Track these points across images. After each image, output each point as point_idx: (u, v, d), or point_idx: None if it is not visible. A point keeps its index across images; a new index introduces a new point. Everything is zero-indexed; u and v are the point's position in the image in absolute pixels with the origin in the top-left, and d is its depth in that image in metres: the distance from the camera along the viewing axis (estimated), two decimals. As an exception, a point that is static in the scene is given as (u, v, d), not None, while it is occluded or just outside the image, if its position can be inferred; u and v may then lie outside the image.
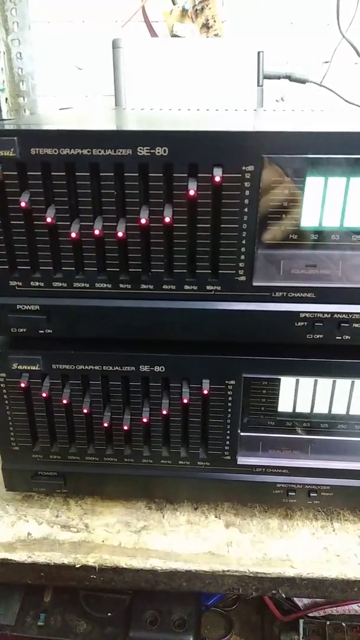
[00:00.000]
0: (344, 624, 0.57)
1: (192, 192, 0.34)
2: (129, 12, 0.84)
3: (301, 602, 0.60)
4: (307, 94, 0.93)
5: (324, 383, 0.42)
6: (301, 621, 0.58)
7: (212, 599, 0.63)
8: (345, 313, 0.37)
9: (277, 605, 0.60)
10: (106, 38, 0.78)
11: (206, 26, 0.89)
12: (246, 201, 0.35)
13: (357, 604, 0.58)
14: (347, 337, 0.38)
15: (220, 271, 0.37)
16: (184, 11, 0.86)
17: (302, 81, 0.89)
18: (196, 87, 0.81)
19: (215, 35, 0.89)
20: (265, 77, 0.85)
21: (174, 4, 0.85)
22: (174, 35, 0.87)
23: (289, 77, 0.89)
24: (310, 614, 0.58)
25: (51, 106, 0.91)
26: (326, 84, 0.91)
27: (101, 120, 0.47)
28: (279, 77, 0.89)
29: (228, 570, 0.42)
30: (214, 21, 0.88)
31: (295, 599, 0.60)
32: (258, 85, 0.85)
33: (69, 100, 0.93)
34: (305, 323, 0.38)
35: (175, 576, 0.44)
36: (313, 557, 0.43)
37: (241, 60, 0.83)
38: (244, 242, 0.36)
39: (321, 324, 0.38)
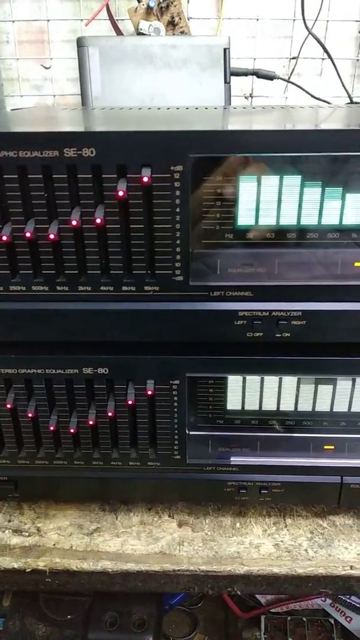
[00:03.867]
0: (304, 619, 0.57)
1: (121, 193, 0.34)
2: (92, 10, 0.84)
3: (264, 598, 0.60)
4: (275, 90, 0.93)
5: (271, 380, 0.42)
6: (263, 617, 0.58)
7: (176, 598, 0.63)
8: (283, 311, 0.38)
9: (241, 602, 0.61)
10: (72, 37, 0.77)
11: (172, 23, 0.88)
12: (177, 201, 0.35)
13: (319, 599, 0.58)
14: (286, 334, 0.38)
15: (157, 272, 0.37)
16: (149, 9, 0.86)
17: (270, 77, 0.88)
18: (164, 84, 0.81)
19: (182, 32, 0.89)
20: (233, 74, 0.84)
21: (139, 1, 0.85)
22: (139, 33, 0.86)
23: (256, 74, 0.89)
24: (272, 610, 0.59)
25: (19, 106, 0.90)
26: (294, 79, 0.91)
27: (45, 121, 0.47)
28: (246, 74, 0.89)
29: (179, 570, 0.42)
30: (180, 18, 0.88)
31: (257, 595, 0.60)
32: (225, 82, 0.84)
33: (37, 100, 0.92)
34: (244, 321, 0.38)
35: (130, 577, 0.44)
36: (264, 554, 0.43)
37: (209, 57, 0.82)
38: (178, 242, 0.36)
39: (260, 322, 0.38)
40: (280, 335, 0.38)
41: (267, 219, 0.36)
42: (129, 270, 0.37)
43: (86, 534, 0.45)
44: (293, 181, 0.35)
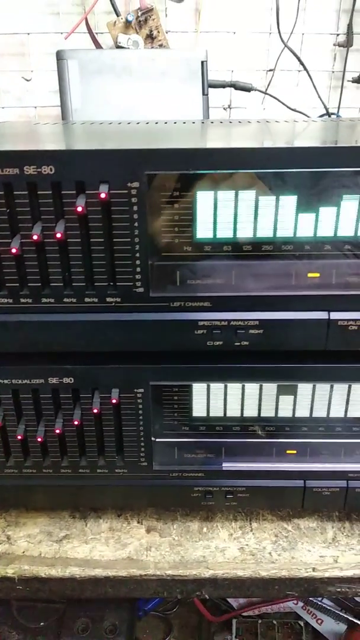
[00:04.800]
0: (275, 622, 0.58)
1: (80, 209, 0.35)
2: (71, 23, 0.85)
3: (236, 602, 0.61)
4: (253, 101, 0.95)
5: (234, 387, 0.43)
6: (234, 621, 0.59)
7: (150, 603, 0.64)
8: (240, 320, 0.39)
9: (215, 606, 0.61)
10: (53, 49, 0.79)
11: (150, 37, 0.90)
12: (135, 216, 0.36)
13: (291, 602, 0.59)
14: (245, 342, 0.40)
15: (118, 283, 0.38)
16: (127, 22, 0.88)
17: (247, 89, 0.91)
18: (143, 96, 0.82)
19: (160, 45, 0.90)
20: (211, 86, 0.86)
21: (118, 15, 0.87)
22: (118, 46, 0.88)
23: (233, 86, 0.91)
24: (244, 614, 0.60)
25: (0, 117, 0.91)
26: (271, 91, 0.93)
27: (13, 137, 0.48)
28: (224, 86, 0.91)
29: (146, 575, 0.43)
30: (158, 32, 0.89)
31: (230, 599, 0.61)
32: (203, 94, 0.86)
33: (18, 111, 0.94)
34: (204, 331, 0.39)
35: (100, 583, 0.45)
36: (229, 558, 0.44)
37: (187, 70, 0.84)
38: (138, 255, 0.37)
39: (219, 331, 0.39)
40: (239, 343, 0.40)
41: (224, 232, 0.37)
42: (91, 282, 0.38)
43: (55, 541, 0.45)
44: (248, 196, 0.36)
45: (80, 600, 0.54)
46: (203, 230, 0.37)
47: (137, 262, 0.37)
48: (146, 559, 0.44)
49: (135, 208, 0.36)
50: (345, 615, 0.60)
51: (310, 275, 0.38)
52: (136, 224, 0.36)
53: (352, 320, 0.38)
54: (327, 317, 0.39)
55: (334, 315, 0.39)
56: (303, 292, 0.38)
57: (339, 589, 0.45)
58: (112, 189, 0.35)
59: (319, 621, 0.61)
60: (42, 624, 0.54)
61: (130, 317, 0.39)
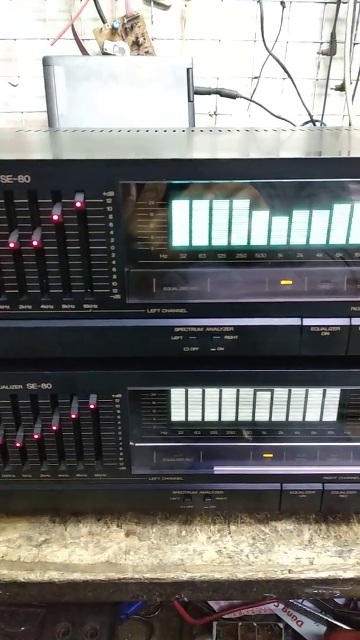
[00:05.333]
0: (255, 624, 0.58)
1: (56, 217, 0.35)
2: (58, 30, 0.86)
3: (217, 605, 0.62)
4: (238, 108, 0.96)
5: (212, 392, 0.44)
6: (215, 623, 0.59)
7: (132, 607, 0.64)
8: (216, 326, 0.40)
9: (197, 609, 0.62)
10: (39, 56, 0.79)
11: (137, 44, 0.91)
12: (111, 224, 0.36)
13: (271, 604, 0.60)
14: (220, 348, 0.40)
15: (95, 290, 0.38)
16: (113, 29, 0.88)
17: (232, 96, 0.92)
18: (129, 103, 0.83)
19: (146, 52, 0.91)
20: (196, 93, 0.87)
21: (104, 22, 0.87)
22: (105, 53, 0.88)
23: (219, 93, 0.92)
24: (225, 616, 0.60)
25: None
26: (257, 98, 0.94)
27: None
28: (209, 93, 0.92)
29: (124, 578, 0.44)
30: (144, 39, 0.90)
31: (211, 602, 0.62)
32: (189, 101, 0.87)
33: (5, 117, 0.94)
34: (180, 337, 0.40)
35: (80, 587, 0.45)
36: (206, 561, 0.44)
37: (173, 77, 0.85)
38: (114, 262, 0.38)
39: (195, 337, 0.40)
40: (215, 349, 0.40)
41: (199, 240, 0.38)
42: (68, 289, 0.39)
43: (35, 545, 0.46)
44: (222, 205, 0.37)
45: (61, 604, 0.54)
46: (178, 238, 0.38)
47: (114, 269, 0.38)
48: (125, 562, 0.44)
49: (110, 217, 0.36)
50: (325, 617, 0.61)
51: (283, 282, 0.39)
52: (112, 232, 0.37)
53: (324, 326, 0.39)
54: (299, 324, 0.39)
55: (307, 322, 0.39)
56: (276, 299, 0.39)
57: (316, 591, 0.46)
58: (87, 198, 0.35)
59: (299, 623, 0.61)
60: (22, 628, 0.54)
61: (107, 323, 0.39)
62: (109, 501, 0.47)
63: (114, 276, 0.38)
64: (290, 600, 0.60)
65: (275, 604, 0.61)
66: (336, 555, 0.45)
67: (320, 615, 0.61)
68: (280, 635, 0.59)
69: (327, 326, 0.39)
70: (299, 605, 0.62)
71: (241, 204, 0.37)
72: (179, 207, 0.37)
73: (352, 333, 0.39)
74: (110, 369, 0.42)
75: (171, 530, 0.47)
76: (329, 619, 0.60)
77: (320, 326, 0.39)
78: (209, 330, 0.40)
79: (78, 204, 0.35)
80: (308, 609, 0.61)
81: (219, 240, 0.38)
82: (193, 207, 0.37)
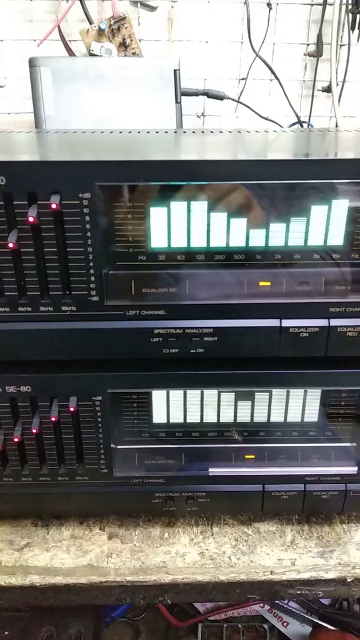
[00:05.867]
0: (240, 625, 0.58)
1: (31, 219, 0.35)
2: (44, 31, 0.86)
3: (203, 607, 0.61)
4: (226, 109, 0.96)
5: (193, 394, 0.44)
6: (200, 625, 0.59)
7: (118, 610, 0.64)
8: (195, 328, 0.39)
9: (183, 611, 0.62)
10: (25, 56, 0.79)
11: (124, 45, 0.91)
12: (87, 226, 0.36)
13: (257, 605, 0.60)
14: (200, 350, 0.40)
15: (73, 292, 0.38)
16: (100, 30, 0.88)
17: (220, 98, 0.92)
18: (117, 104, 0.83)
19: (134, 53, 0.91)
20: (184, 94, 0.87)
21: (91, 23, 0.87)
22: (91, 54, 0.88)
23: (206, 94, 0.92)
24: (211, 618, 0.60)
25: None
26: (245, 99, 0.94)
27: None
28: (196, 94, 0.92)
29: (106, 581, 0.43)
30: (131, 40, 0.90)
31: (196, 604, 0.62)
32: (176, 102, 0.87)
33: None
34: (160, 339, 0.40)
35: (62, 591, 0.45)
36: (188, 563, 0.44)
37: (160, 78, 0.85)
38: (92, 264, 0.37)
39: (174, 339, 0.40)
40: (194, 351, 0.40)
41: (178, 242, 0.38)
42: (46, 291, 0.38)
43: (16, 549, 0.45)
44: (200, 206, 0.37)
45: (45, 608, 0.54)
46: (157, 240, 0.38)
47: (92, 271, 0.38)
48: (107, 565, 0.44)
49: (87, 218, 0.36)
50: (311, 618, 0.61)
51: (262, 284, 0.39)
52: (89, 234, 0.36)
53: (303, 327, 0.39)
54: (279, 325, 0.40)
55: (286, 323, 0.39)
56: (255, 300, 0.39)
57: (299, 592, 0.46)
58: (63, 200, 0.35)
59: (285, 624, 0.61)
60: (6, 633, 0.54)
61: (85, 325, 0.39)
62: (91, 504, 0.46)
63: (92, 278, 0.38)
64: (276, 602, 0.60)
65: (261, 605, 0.61)
66: (318, 556, 0.45)
67: (306, 615, 0.61)
68: (265, 637, 0.59)
69: (306, 327, 0.39)
70: (285, 606, 0.62)
71: (220, 206, 0.37)
72: (157, 208, 0.37)
73: (331, 334, 0.40)
74: (90, 371, 0.41)
75: (154, 533, 0.47)
76: (315, 620, 0.60)
77: (299, 327, 0.39)
78: (189, 332, 0.40)
79: (54, 206, 0.35)
80: (293, 610, 0.61)
81: (198, 242, 0.38)
82: (172, 209, 0.37)
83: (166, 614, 0.60)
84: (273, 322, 0.39)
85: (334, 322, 0.39)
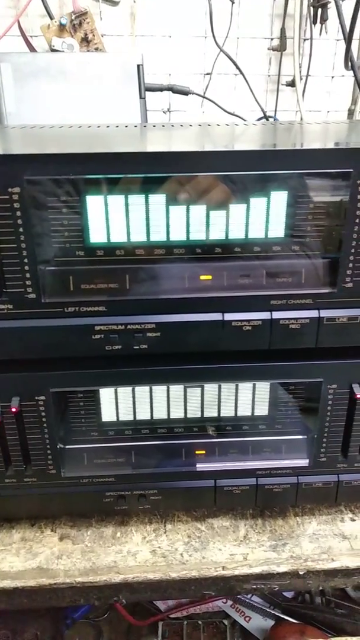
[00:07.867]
0: (200, 622, 0.58)
1: None
2: (4, 26, 0.84)
3: (165, 604, 0.61)
4: (192, 105, 0.96)
5: (141, 391, 0.43)
6: (160, 623, 0.59)
7: (79, 611, 0.63)
8: (137, 323, 0.39)
9: (145, 610, 0.61)
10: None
11: (86, 40, 0.90)
12: (19, 221, 0.35)
13: (220, 601, 0.59)
14: (143, 346, 0.40)
15: (8, 290, 0.37)
16: (61, 26, 0.87)
17: (184, 93, 0.91)
18: (79, 100, 0.82)
19: (96, 49, 0.90)
20: (148, 90, 0.87)
21: (51, 18, 0.86)
22: (53, 50, 0.87)
23: (171, 89, 0.91)
24: (172, 616, 0.60)
25: None
26: (209, 94, 0.94)
27: None
28: (161, 89, 0.91)
29: (55, 583, 0.43)
30: (93, 35, 0.89)
31: (158, 602, 0.61)
32: (140, 98, 0.86)
33: None
34: (101, 335, 0.39)
35: (14, 594, 0.44)
36: (140, 561, 0.44)
37: (123, 73, 0.84)
38: (25, 260, 0.37)
39: (116, 336, 0.39)
40: (138, 347, 0.40)
41: (117, 237, 0.37)
42: (-19, 290, 0.37)
43: (-36, 554, 0.44)
44: (138, 200, 0.37)
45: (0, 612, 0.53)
46: (95, 235, 0.37)
47: (26, 267, 0.37)
48: (56, 567, 0.43)
49: (18, 213, 0.35)
50: (273, 612, 0.61)
51: (202, 277, 0.39)
52: (21, 230, 0.36)
53: (246, 320, 0.39)
54: (221, 319, 0.39)
55: (228, 317, 0.39)
56: (197, 294, 0.39)
57: (254, 586, 0.46)
58: (-8, 195, 0.34)
59: (247, 618, 0.61)
60: None
61: (23, 324, 0.38)
62: (42, 506, 0.46)
63: (28, 275, 0.37)
64: (239, 597, 0.60)
65: (224, 600, 0.61)
66: (270, 549, 0.45)
67: (269, 610, 0.61)
68: (226, 632, 0.58)
69: (249, 320, 0.39)
70: (248, 600, 0.62)
71: (159, 199, 0.36)
72: (94, 202, 0.36)
73: (274, 327, 0.39)
74: (32, 370, 0.41)
75: (106, 532, 0.46)
76: (277, 613, 0.60)
77: (241, 320, 0.39)
78: (130, 327, 0.39)
79: (-19, 201, 0.34)
80: (256, 605, 0.61)
81: (137, 236, 0.37)
82: (109, 202, 0.36)
83: (124, 613, 0.59)
84: (215, 316, 0.39)
85: (277, 314, 0.39)
